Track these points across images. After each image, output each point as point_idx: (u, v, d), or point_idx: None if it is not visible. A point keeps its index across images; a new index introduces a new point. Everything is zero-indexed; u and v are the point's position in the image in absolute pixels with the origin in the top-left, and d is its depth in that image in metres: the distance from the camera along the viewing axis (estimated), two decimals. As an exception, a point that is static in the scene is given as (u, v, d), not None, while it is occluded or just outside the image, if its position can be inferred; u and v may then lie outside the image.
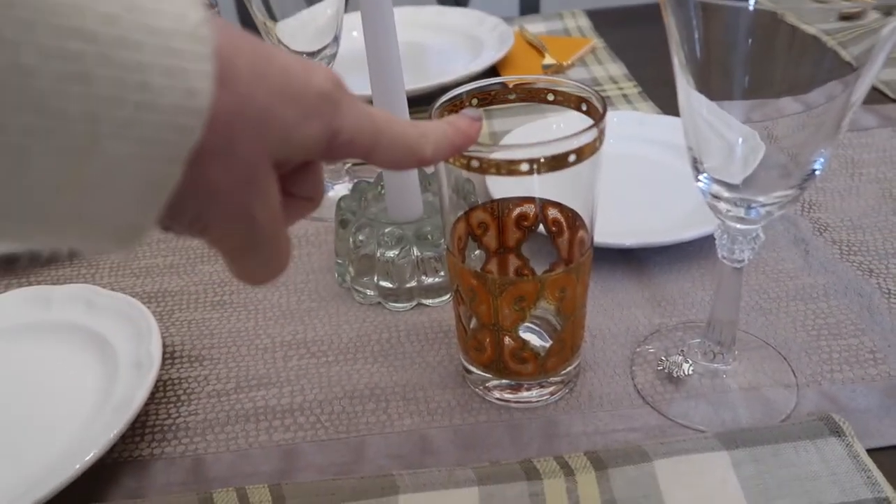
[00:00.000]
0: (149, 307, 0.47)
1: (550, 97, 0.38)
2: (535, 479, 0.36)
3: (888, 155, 0.63)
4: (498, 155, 0.33)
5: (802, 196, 0.35)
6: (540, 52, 0.91)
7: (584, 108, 0.37)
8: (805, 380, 0.41)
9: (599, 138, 0.34)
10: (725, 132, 0.34)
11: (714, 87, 0.33)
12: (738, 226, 0.36)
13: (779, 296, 0.48)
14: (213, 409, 0.42)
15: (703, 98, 0.33)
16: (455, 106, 0.37)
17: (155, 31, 0.18)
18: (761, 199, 0.34)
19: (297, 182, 0.26)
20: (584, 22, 0.98)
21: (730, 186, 0.35)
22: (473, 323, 0.39)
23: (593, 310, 0.48)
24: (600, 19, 0.97)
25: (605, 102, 0.35)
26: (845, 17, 0.73)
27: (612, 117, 0.68)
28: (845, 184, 0.59)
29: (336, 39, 0.57)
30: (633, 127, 0.66)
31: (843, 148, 0.64)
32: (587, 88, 0.36)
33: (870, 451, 0.37)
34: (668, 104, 0.73)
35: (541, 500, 0.35)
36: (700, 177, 0.35)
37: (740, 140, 0.33)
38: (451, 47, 0.93)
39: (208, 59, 0.19)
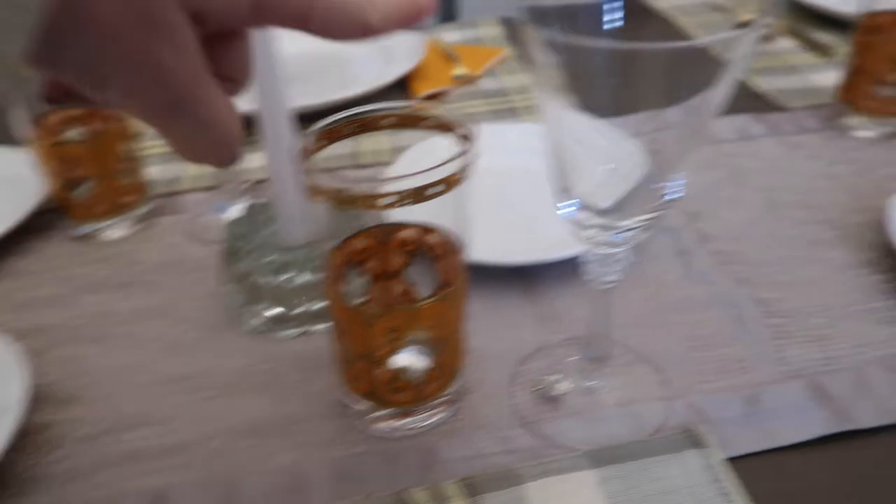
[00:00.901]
0: (24, 344, 0.46)
1: (428, 123, 0.38)
2: (407, 509, 0.36)
3: (774, 164, 0.65)
4: (360, 190, 0.33)
5: (659, 224, 0.35)
6: (451, 62, 0.92)
7: (459, 133, 0.37)
8: (677, 392, 0.43)
9: (466, 168, 0.34)
10: (606, 153, 0.34)
11: (602, 104, 0.32)
12: (604, 250, 0.37)
13: (659, 308, 0.49)
14: (82, 455, 0.41)
15: (583, 119, 0.32)
16: (331, 133, 0.37)
17: None
18: (626, 222, 0.35)
19: (218, 57, 0.23)
20: (497, 31, 0.99)
21: (597, 212, 0.35)
22: (348, 353, 0.39)
23: (479, 329, 0.48)
24: (513, 28, 0.99)
25: (474, 131, 0.35)
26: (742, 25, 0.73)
27: (512, 130, 0.69)
28: (730, 193, 0.61)
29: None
30: (533, 140, 0.67)
31: (731, 157, 0.66)
32: (457, 117, 0.36)
33: (733, 460, 0.38)
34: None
35: (411, 530, 0.36)
36: (566, 204, 0.36)
37: (624, 158, 0.33)
38: (363, 59, 0.93)
39: None
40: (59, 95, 0.23)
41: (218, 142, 0.22)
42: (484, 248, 0.52)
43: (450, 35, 0.97)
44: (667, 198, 0.34)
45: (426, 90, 0.83)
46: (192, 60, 0.20)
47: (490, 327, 0.48)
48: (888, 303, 0.48)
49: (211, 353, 0.48)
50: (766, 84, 0.79)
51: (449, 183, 0.33)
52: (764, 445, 0.39)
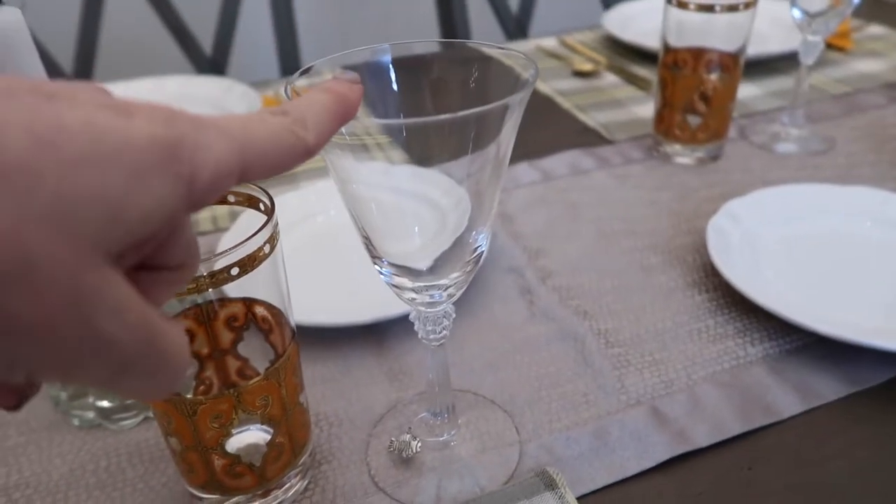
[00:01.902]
0: None
1: (231, 198, 0.37)
2: None
3: (604, 195, 0.69)
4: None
5: (472, 276, 0.36)
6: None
7: (261, 207, 0.36)
8: (527, 435, 0.43)
9: (270, 243, 0.33)
10: (431, 204, 0.34)
11: (430, 155, 0.32)
12: (427, 309, 0.37)
13: (507, 350, 0.50)
14: None
15: (411, 172, 0.32)
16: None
17: None
18: (442, 281, 0.35)
19: (156, 254, 0.21)
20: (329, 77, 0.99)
21: (413, 274, 0.35)
22: (177, 445, 0.37)
23: (331, 393, 0.47)
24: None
25: (274, 202, 0.34)
26: (578, 74, 0.77)
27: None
28: (567, 228, 0.64)
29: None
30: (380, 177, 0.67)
31: (565, 192, 0.69)
32: (258, 188, 0.36)
33: (583, 497, 0.39)
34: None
35: None
36: (381, 270, 0.36)
37: (452, 207, 0.33)
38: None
39: None
40: None
41: (170, 382, 0.20)
42: (330, 308, 0.51)
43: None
44: (478, 250, 0.35)
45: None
46: (134, 314, 0.18)
47: (341, 391, 0.47)
48: (714, 321, 0.52)
49: (36, 458, 0.43)
50: (594, 119, 0.84)
51: (248, 263, 0.32)
52: (613, 478, 0.40)
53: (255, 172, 0.21)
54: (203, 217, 0.67)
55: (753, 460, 0.41)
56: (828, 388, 0.45)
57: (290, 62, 1.18)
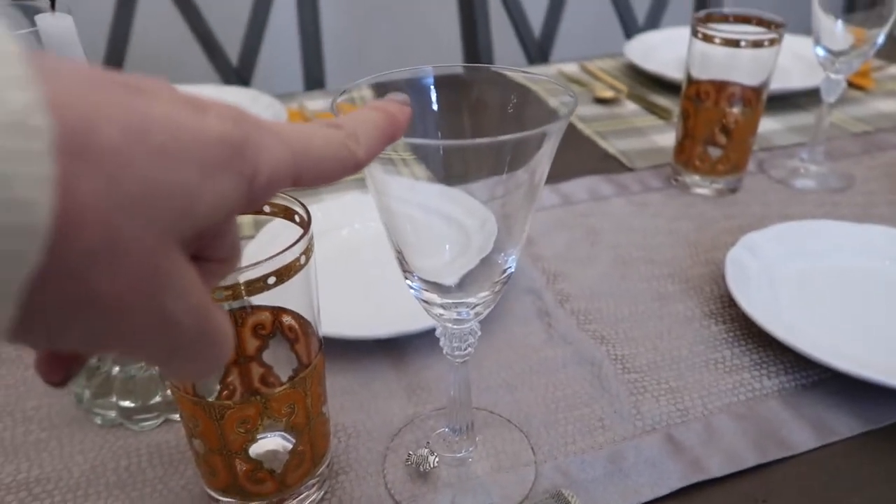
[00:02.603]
0: None
1: (267, 208, 0.38)
2: None
3: (623, 222, 0.69)
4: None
5: (500, 296, 0.37)
6: (315, 130, 0.92)
7: (296, 219, 0.37)
8: (543, 456, 0.44)
9: (305, 255, 0.34)
10: (459, 223, 0.35)
11: (454, 174, 0.32)
12: (454, 326, 0.37)
13: (524, 370, 0.51)
14: None
15: (438, 190, 0.33)
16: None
17: None
18: (470, 300, 0.36)
19: (208, 246, 0.22)
20: (368, 94, 1.00)
21: (442, 290, 0.36)
22: (202, 447, 0.37)
23: (350, 405, 0.48)
24: (383, 92, 1.00)
25: (310, 215, 0.35)
26: (599, 100, 0.78)
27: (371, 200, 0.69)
28: (585, 252, 0.65)
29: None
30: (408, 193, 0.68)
31: (585, 217, 0.70)
32: (294, 199, 0.36)
33: (597, 521, 0.39)
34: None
35: None
36: (412, 284, 0.36)
37: (478, 227, 0.34)
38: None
39: (44, 157, 0.14)
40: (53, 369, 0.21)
41: (217, 364, 0.22)
42: (352, 321, 0.52)
43: (314, 103, 0.98)
44: (507, 271, 0.36)
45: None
46: (195, 300, 0.19)
47: (360, 403, 0.48)
48: (730, 351, 0.52)
49: (58, 454, 0.44)
50: (614, 146, 0.84)
51: (284, 273, 0.33)
52: (627, 503, 0.41)
53: (307, 179, 0.22)
54: (227, 225, 0.68)
55: (767, 493, 0.41)
56: (842, 424, 0.45)
57: (313, 77, 1.20)
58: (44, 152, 0.15)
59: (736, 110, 0.69)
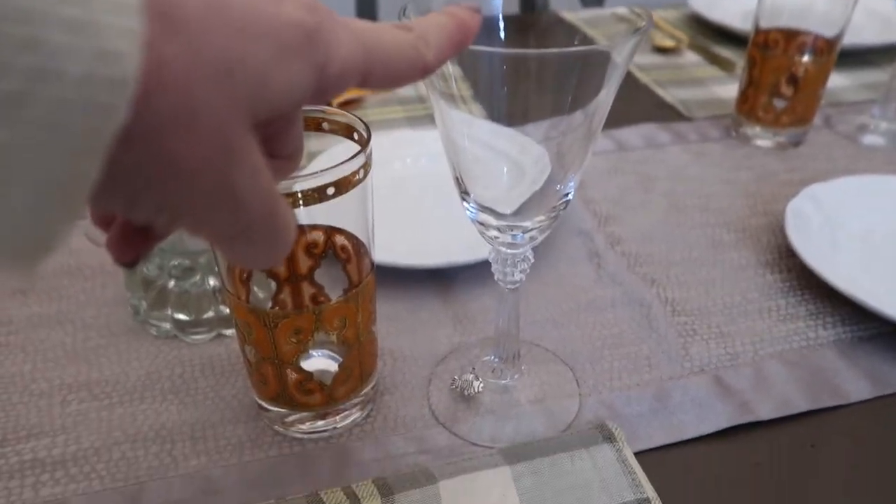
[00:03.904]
0: None
1: (326, 126, 0.38)
2: (320, 511, 0.36)
3: (678, 170, 0.68)
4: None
5: (557, 221, 0.36)
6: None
7: (355, 136, 0.37)
8: (588, 389, 0.44)
9: (364, 169, 0.34)
10: (513, 160, 0.34)
11: (510, 112, 0.32)
12: (507, 250, 0.37)
13: (571, 308, 0.50)
14: (-30, 468, 0.38)
15: (490, 128, 0.32)
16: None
17: None
18: (526, 223, 0.36)
19: (274, 138, 0.22)
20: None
21: (497, 215, 0.36)
22: (254, 356, 0.38)
23: (397, 330, 0.48)
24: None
25: (370, 132, 0.35)
26: (659, 49, 0.76)
27: (429, 136, 0.69)
28: (638, 198, 0.63)
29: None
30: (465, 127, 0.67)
31: (639, 164, 0.69)
32: (355, 118, 0.36)
33: (639, 454, 0.39)
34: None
35: (325, 533, 0.35)
36: (468, 206, 0.36)
37: (531, 163, 0.34)
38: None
39: (135, 11, 0.14)
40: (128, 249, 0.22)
41: (280, 253, 0.22)
42: (401, 251, 0.52)
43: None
44: (564, 198, 0.35)
45: (342, 96, 0.83)
46: (263, 179, 0.20)
47: (406, 329, 0.48)
48: (785, 301, 0.51)
49: (115, 360, 0.46)
50: (672, 95, 0.82)
51: (342, 185, 0.33)
52: (671, 439, 0.40)
53: (376, 77, 0.22)
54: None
55: (816, 439, 0.41)
56: (899, 377, 0.44)
57: (365, 5, 1.19)
58: (134, 7, 0.15)
59: (806, 60, 0.66)
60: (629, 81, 0.84)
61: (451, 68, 0.31)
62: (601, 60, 0.30)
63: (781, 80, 0.68)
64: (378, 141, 0.68)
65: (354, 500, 0.36)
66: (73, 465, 0.38)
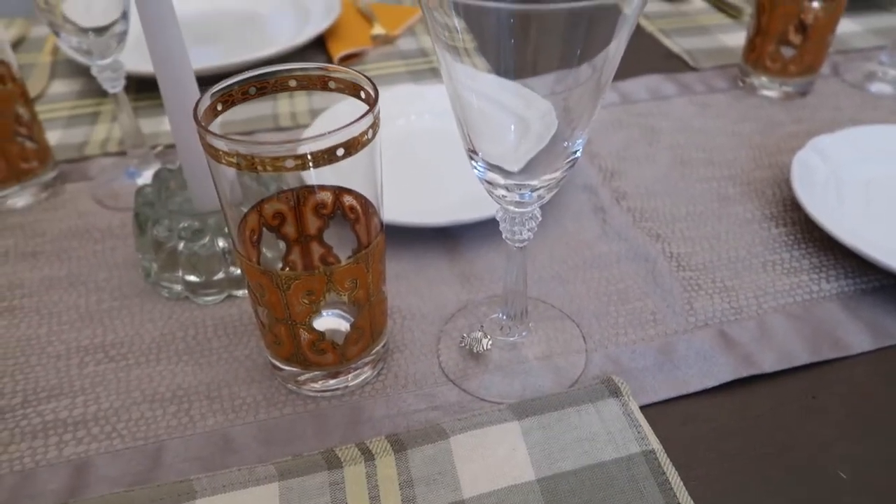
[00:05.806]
0: (-77, 321, 0.43)
1: (332, 84, 0.38)
2: (335, 467, 0.37)
3: (684, 123, 0.67)
4: (263, 152, 0.32)
5: (565, 180, 0.36)
6: (369, 21, 0.90)
7: (362, 95, 0.37)
8: (594, 345, 0.45)
9: (373, 129, 0.34)
10: (518, 115, 0.34)
11: (514, 66, 0.31)
12: (515, 209, 0.37)
13: (577, 265, 0.51)
14: (-6, 430, 0.39)
15: (496, 82, 0.32)
16: (230, 96, 0.36)
17: None
18: (534, 182, 0.36)
19: None
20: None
21: (505, 173, 0.36)
22: (267, 317, 0.39)
23: (405, 290, 0.49)
24: None
25: (378, 91, 0.35)
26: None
27: (432, 91, 0.68)
28: (643, 151, 0.63)
29: (125, 15, 0.53)
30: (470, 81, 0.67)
31: (644, 117, 0.68)
32: (362, 76, 0.36)
33: (645, 408, 0.40)
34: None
35: (341, 488, 0.36)
36: (476, 164, 0.36)
37: (537, 118, 0.34)
38: (278, 17, 0.90)
39: None
40: None
41: None
42: (407, 209, 0.52)
43: (368, -8, 0.95)
44: (572, 156, 0.35)
45: (343, 50, 0.82)
46: None
47: (415, 288, 0.49)
48: (790, 254, 0.51)
49: (129, 322, 0.47)
50: (678, 45, 0.81)
51: (351, 146, 0.33)
52: (676, 392, 0.41)
53: None
54: (282, 113, 0.68)
55: (818, 390, 0.42)
56: (901, 329, 0.45)
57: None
58: None
59: (816, 5, 0.65)
60: (635, 31, 0.83)
61: (455, 20, 0.30)
62: (611, 13, 0.29)
63: (790, 27, 0.67)
64: (381, 96, 0.67)
65: (369, 457, 0.37)
66: (94, 425, 0.40)
